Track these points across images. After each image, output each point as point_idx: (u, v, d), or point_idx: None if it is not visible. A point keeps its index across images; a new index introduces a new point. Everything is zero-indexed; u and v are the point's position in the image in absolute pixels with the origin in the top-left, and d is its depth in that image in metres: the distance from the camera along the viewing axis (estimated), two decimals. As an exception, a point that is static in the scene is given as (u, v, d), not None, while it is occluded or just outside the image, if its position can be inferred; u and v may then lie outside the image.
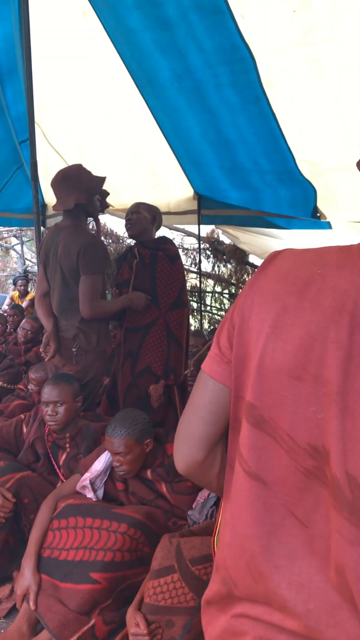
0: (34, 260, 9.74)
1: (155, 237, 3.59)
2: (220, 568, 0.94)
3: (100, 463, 2.45)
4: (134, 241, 3.56)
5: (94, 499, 2.43)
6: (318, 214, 4.20)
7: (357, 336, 0.75)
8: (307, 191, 4.10)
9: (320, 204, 4.17)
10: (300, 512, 0.83)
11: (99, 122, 4.49)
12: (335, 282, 0.79)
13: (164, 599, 1.92)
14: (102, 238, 7.21)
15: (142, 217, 3.42)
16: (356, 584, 0.76)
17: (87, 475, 2.43)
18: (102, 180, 3.18)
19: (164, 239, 3.61)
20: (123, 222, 3.57)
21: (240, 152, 4.14)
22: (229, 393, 0.90)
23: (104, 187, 3.24)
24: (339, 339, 0.76)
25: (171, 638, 1.88)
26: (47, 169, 5.12)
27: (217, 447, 0.96)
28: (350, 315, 0.76)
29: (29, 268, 10.45)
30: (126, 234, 3.70)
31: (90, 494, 2.43)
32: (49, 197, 5.83)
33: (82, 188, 3.07)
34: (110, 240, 8.29)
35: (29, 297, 7.71)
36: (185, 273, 8.36)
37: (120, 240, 8.31)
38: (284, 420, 0.81)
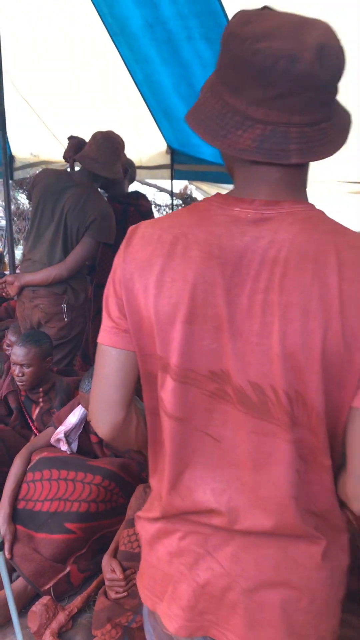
0: (1, 214, 9.53)
1: (128, 191, 3.54)
2: (156, 499, 1.08)
3: (74, 416, 2.47)
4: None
5: (69, 452, 2.47)
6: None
7: (227, 272, 0.89)
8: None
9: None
10: (212, 431, 0.97)
11: (70, 72, 4.36)
12: (196, 236, 0.92)
13: (139, 546, 1.98)
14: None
15: None
16: (273, 476, 0.94)
17: (62, 429, 2.46)
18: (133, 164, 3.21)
19: (136, 193, 3.56)
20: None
21: (212, 108, 4.08)
22: (134, 356, 1.01)
23: None
24: (214, 280, 0.90)
25: (145, 583, 1.95)
26: (15, 119, 4.97)
27: (131, 406, 1.06)
28: (216, 258, 0.90)
29: (-4, 223, 10.21)
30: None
31: (64, 447, 2.46)
32: (17, 148, 5.68)
33: (122, 161, 3.08)
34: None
35: (-4, 252, 7.56)
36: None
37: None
38: (185, 359, 0.93)
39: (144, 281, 0.94)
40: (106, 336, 1.02)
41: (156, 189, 7.72)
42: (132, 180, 3.54)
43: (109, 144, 3.02)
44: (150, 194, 7.84)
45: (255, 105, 0.85)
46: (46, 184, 3.08)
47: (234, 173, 0.97)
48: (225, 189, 5.54)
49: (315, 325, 0.85)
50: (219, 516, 0.99)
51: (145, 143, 4.99)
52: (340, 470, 0.98)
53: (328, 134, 0.88)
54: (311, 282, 0.85)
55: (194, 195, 7.79)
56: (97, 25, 3.83)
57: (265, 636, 0.99)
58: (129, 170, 3.46)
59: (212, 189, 5.79)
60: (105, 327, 1.02)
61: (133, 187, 3.89)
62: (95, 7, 3.70)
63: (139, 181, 6.28)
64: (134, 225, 1.02)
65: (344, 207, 4.58)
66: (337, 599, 1.03)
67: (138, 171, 4.19)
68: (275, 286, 0.87)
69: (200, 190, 6.62)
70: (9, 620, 2.03)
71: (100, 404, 1.05)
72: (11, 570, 2.28)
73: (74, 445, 2.50)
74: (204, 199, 0.99)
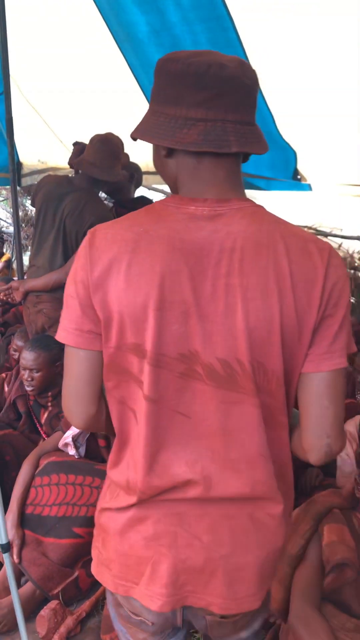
0: (9, 220, 9.57)
1: (134, 196, 3.54)
2: (131, 488, 1.12)
3: (82, 421, 2.48)
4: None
5: (76, 456, 2.47)
6: (298, 176, 4.18)
7: (190, 262, 1.01)
8: (288, 154, 4.07)
9: (300, 167, 4.15)
10: (182, 409, 1.07)
11: (77, 78, 4.38)
12: (157, 232, 1.03)
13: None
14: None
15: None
16: (243, 438, 1.07)
17: (70, 433, 2.46)
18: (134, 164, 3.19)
19: (142, 198, 3.57)
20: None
21: (219, 113, 4.08)
22: (99, 354, 1.09)
23: None
24: (180, 270, 1.01)
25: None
26: (23, 126, 4.99)
27: (101, 398, 1.15)
28: (179, 250, 1.01)
29: (3, 229, 10.26)
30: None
31: (72, 451, 2.47)
32: (24, 155, 5.70)
33: (121, 163, 3.06)
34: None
35: (3, 258, 7.59)
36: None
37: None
38: (157, 344, 1.03)
39: (113, 278, 1.02)
40: (71, 338, 1.09)
41: (162, 194, 7.73)
42: (138, 185, 3.54)
43: (106, 147, 3.01)
44: (157, 199, 7.85)
45: (195, 107, 1.01)
46: (47, 190, 3.09)
47: (179, 182, 1.09)
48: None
49: (274, 302, 1.00)
50: (195, 486, 1.09)
51: (151, 149, 5.00)
52: (294, 429, 1.15)
53: (256, 134, 1.06)
54: (266, 265, 1.00)
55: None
56: (103, 32, 3.84)
57: (241, 589, 1.14)
58: (135, 175, 3.47)
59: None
60: (67, 327, 1.10)
61: (139, 192, 3.90)
62: (101, 14, 3.72)
63: (145, 186, 6.28)
64: (92, 228, 1.10)
65: (347, 210, 4.58)
66: (287, 538, 1.20)
67: (144, 176, 4.20)
68: (235, 271, 1.01)
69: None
70: (17, 625, 2.03)
71: (74, 399, 1.14)
72: (20, 574, 2.29)
73: (82, 450, 2.50)
74: (158, 201, 1.12)
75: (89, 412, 1.14)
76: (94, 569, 1.25)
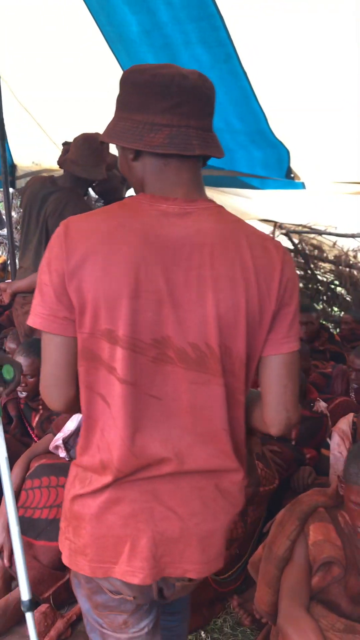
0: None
1: (126, 196, 3.53)
2: (107, 468, 1.17)
3: (73, 423, 2.47)
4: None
5: (67, 459, 2.46)
6: (292, 175, 4.18)
7: (163, 255, 1.10)
8: (281, 152, 4.06)
9: (294, 165, 4.14)
10: (155, 391, 1.15)
11: (70, 80, 4.38)
12: (131, 225, 1.11)
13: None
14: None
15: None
16: (209, 415, 1.17)
17: (60, 435, 2.45)
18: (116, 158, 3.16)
19: (134, 199, 3.55)
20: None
21: (212, 112, 4.07)
22: (74, 340, 1.14)
23: None
24: (154, 261, 1.09)
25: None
26: (15, 127, 4.99)
27: (77, 380, 1.20)
28: (153, 243, 1.10)
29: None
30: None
31: (63, 454, 2.46)
32: (19, 157, 5.70)
33: (105, 161, 3.04)
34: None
35: None
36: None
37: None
38: (132, 330, 1.09)
39: (89, 267, 1.09)
40: (47, 324, 1.14)
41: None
42: (130, 186, 3.53)
43: (88, 145, 2.99)
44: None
45: (161, 114, 1.12)
46: (31, 191, 3.09)
47: (145, 183, 1.18)
48: (226, 192, 5.56)
49: (240, 291, 1.12)
50: (169, 463, 1.17)
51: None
52: (254, 406, 1.28)
53: (215, 140, 1.19)
54: (233, 258, 1.13)
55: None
56: (95, 33, 3.84)
57: (212, 553, 1.24)
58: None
59: (213, 194, 5.78)
60: (42, 313, 1.14)
61: (132, 192, 3.89)
62: (92, 14, 3.71)
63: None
64: (64, 220, 1.16)
65: (341, 208, 4.57)
66: (244, 502, 1.31)
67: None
68: (206, 263, 1.12)
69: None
70: (8, 629, 2.03)
71: (53, 383, 1.19)
72: (10, 578, 2.28)
73: (73, 452, 2.49)
74: (130, 197, 1.20)
75: (69, 395, 1.19)
76: (67, 560, 1.26)
